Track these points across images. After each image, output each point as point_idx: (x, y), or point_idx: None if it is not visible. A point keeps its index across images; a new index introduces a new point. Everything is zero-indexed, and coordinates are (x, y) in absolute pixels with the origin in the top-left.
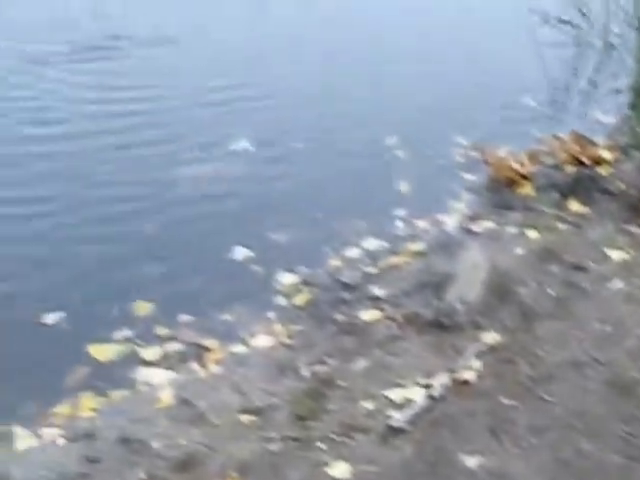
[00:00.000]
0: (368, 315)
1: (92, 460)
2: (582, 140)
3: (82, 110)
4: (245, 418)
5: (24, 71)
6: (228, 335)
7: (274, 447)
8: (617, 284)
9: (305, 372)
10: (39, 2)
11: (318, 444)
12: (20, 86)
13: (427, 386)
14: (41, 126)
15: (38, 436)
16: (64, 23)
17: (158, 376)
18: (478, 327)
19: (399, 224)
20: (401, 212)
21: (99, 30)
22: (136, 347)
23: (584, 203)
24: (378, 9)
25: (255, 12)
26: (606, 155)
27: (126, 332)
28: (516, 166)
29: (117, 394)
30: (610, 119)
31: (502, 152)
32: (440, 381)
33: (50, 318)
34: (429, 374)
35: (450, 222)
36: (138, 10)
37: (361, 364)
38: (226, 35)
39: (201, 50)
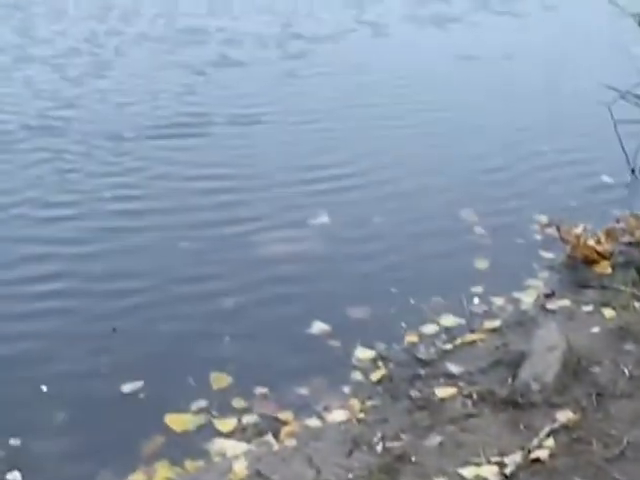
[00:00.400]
0: (443, 391)
1: None
2: None
3: (167, 188)
4: None
5: (108, 149)
6: (303, 408)
7: None
8: None
9: (379, 447)
10: (124, 81)
11: None
12: (106, 163)
13: (500, 464)
14: (126, 201)
15: None
16: (150, 101)
17: (233, 448)
18: (552, 405)
19: (476, 301)
20: (478, 289)
21: (185, 109)
22: (212, 418)
23: None
24: (452, 84)
25: (337, 92)
26: None
27: (202, 403)
28: (593, 244)
29: (192, 464)
30: None
31: (579, 230)
32: (513, 459)
33: (128, 387)
34: (502, 452)
35: (526, 300)
36: (224, 89)
37: (435, 440)
38: (310, 115)
39: (285, 129)
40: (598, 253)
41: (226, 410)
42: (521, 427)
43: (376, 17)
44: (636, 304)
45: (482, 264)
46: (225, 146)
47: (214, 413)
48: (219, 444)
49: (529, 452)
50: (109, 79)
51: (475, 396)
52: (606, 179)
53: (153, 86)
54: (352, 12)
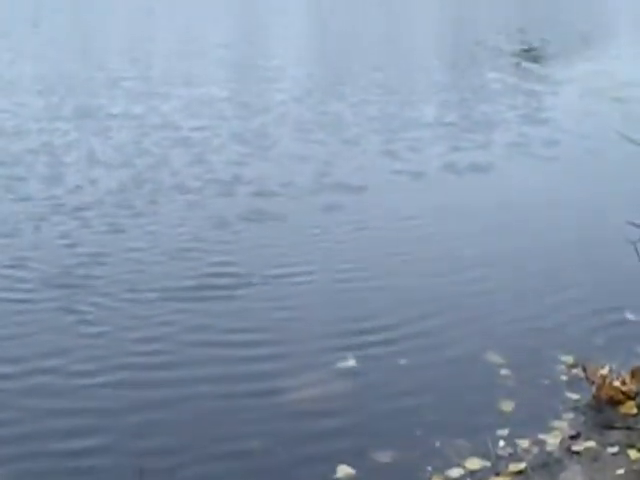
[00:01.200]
0: None
1: None
2: None
3: (195, 347)
4: None
5: (133, 308)
6: None
7: None
8: None
9: None
10: (151, 235)
11: None
12: (130, 328)
13: None
14: (151, 370)
15: None
16: (178, 258)
17: None
18: None
19: (501, 443)
20: (503, 431)
21: (214, 266)
22: None
23: None
24: (487, 232)
25: (373, 246)
26: None
27: None
28: (618, 384)
29: None
30: None
31: (605, 370)
32: None
33: None
34: None
35: (552, 441)
36: (255, 244)
37: None
38: (345, 271)
39: (318, 285)
40: (623, 393)
41: None
42: None
43: (413, 165)
44: None
45: (507, 406)
46: (255, 304)
47: None
48: None
49: None
50: (136, 233)
51: None
52: (631, 317)
53: (181, 242)
54: (387, 161)
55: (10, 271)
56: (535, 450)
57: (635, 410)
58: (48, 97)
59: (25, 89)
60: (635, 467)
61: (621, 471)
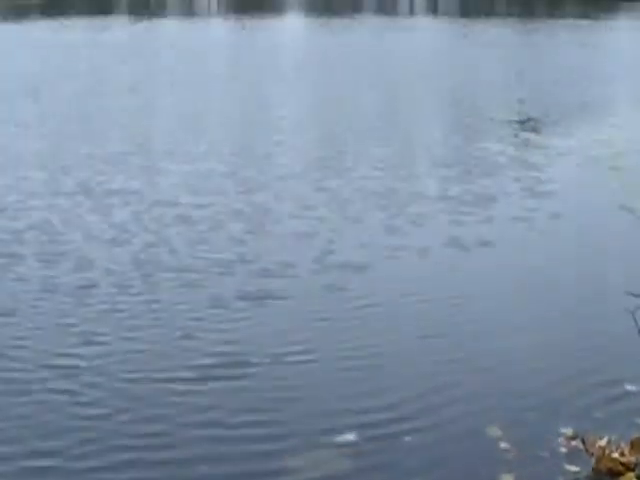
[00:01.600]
0: None
1: None
2: None
3: (192, 433)
4: None
5: (129, 393)
6: None
7: None
8: None
9: None
10: (148, 317)
11: None
12: (127, 409)
13: None
14: (150, 451)
15: None
16: (177, 342)
17: None
18: None
19: None
20: None
21: (214, 348)
22: None
23: None
24: (492, 306)
25: (377, 326)
26: None
27: None
28: (617, 456)
29: None
30: None
31: (604, 442)
32: None
33: None
34: None
35: None
36: (256, 325)
37: None
38: (348, 352)
39: (320, 366)
40: (623, 465)
41: None
42: None
43: (415, 242)
44: None
45: (507, 479)
46: (256, 387)
47: None
48: None
49: None
50: (134, 315)
51: None
52: (630, 387)
53: (180, 325)
54: (390, 237)
55: (7, 352)
56: None
57: None
58: (48, 172)
59: (25, 164)
60: None
61: None
